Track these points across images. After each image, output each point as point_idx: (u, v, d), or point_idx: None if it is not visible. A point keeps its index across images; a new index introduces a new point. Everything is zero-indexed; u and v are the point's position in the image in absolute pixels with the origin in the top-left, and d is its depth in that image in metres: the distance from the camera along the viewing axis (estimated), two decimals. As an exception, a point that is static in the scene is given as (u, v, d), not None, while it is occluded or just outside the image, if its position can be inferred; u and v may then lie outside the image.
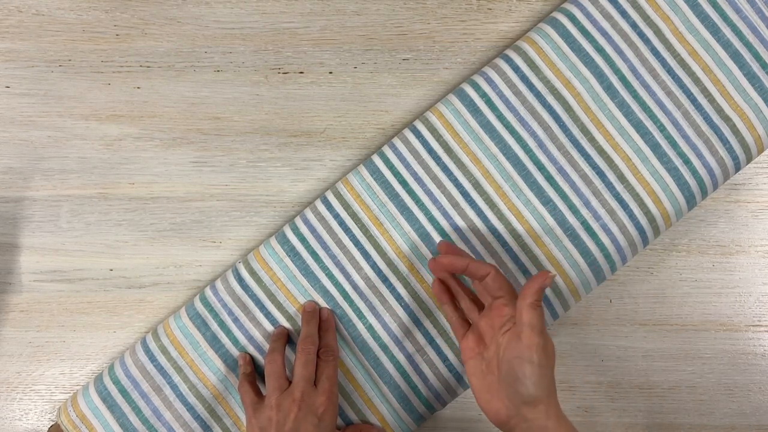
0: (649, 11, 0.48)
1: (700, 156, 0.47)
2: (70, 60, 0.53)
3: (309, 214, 0.50)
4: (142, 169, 0.53)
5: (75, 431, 0.49)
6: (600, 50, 0.48)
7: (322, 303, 0.49)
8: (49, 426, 0.53)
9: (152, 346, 0.50)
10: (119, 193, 0.53)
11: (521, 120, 0.48)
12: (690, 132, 0.48)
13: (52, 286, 0.53)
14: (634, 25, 0.48)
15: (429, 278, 0.49)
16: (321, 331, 0.48)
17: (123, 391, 0.49)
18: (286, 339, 0.49)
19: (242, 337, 0.49)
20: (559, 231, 0.48)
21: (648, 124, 0.48)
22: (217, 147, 0.53)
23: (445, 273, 0.46)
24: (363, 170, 0.50)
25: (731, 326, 0.53)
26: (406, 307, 0.49)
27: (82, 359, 0.53)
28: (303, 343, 0.47)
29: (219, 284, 0.50)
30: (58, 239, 0.53)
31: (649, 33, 0.48)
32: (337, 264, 0.49)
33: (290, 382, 0.46)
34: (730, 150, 0.47)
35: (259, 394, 0.47)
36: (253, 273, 0.49)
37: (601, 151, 0.48)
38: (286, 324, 0.49)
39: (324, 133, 0.53)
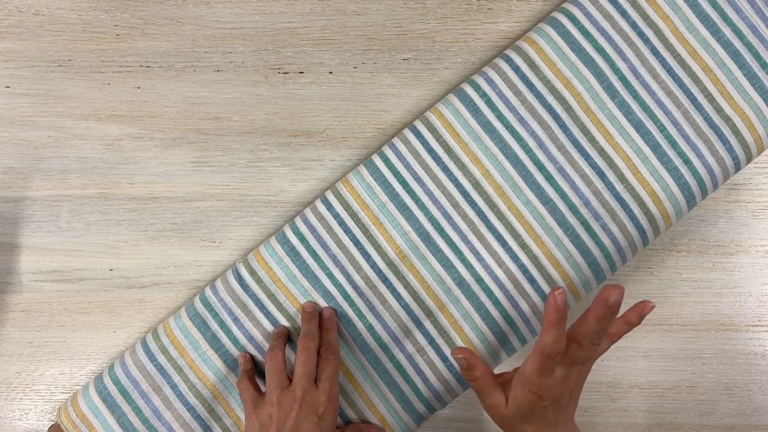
0: (649, 11, 0.48)
1: (700, 156, 0.47)
2: (70, 60, 0.53)
3: (309, 214, 0.50)
4: (142, 169, 0.53)
5: (75, 431, 0.49)
6: (600, 50, 0.48)
7: (322, 303, 0.49)
8: (49, 426, 0.53)
9: (152, 345, 0.50)
10: (119, 193, 0.53)
11: (521, 120, 0.48)
12: (690, 132, 0.48)
13: (52, 286, 0.53)
14: (634, 25, 0.48)
15: (429, 278, 0.49)
16: (322, 330, 0.48)
17: (123, 391, 0.49)
18: (287, 337, 0.49)
19: (242, 336, 0.49)
20: (559, 231, 0.48)
21: (648, 124, 0.48)
22: (217, 147, 0.53)
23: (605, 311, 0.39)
24: (363, 170, 0.50)
25: (731, 326, 0.53)
26: (406, 307, 0.49)
27: (82, 359, 0.53)
28: (303, 341, 0.47)
29: (219, 284, 0.50)
30: (58, 239, 0.53)
31: (649, 33, 0.48)
32: (337, 264, 0.49)
33: (290, 380, 0.46)
34: (730, 150, 0.47)
35: (258, 390, 0.47)
36: (253, 273, 0.49)
37: (601, 151, 0.48)
38: (286, 324, 0.49)
39: (324, 133, 0.53)
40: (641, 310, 0.41)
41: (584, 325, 0.39)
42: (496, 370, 0.51)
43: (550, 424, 0.42)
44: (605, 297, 0.38)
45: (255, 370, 0.49)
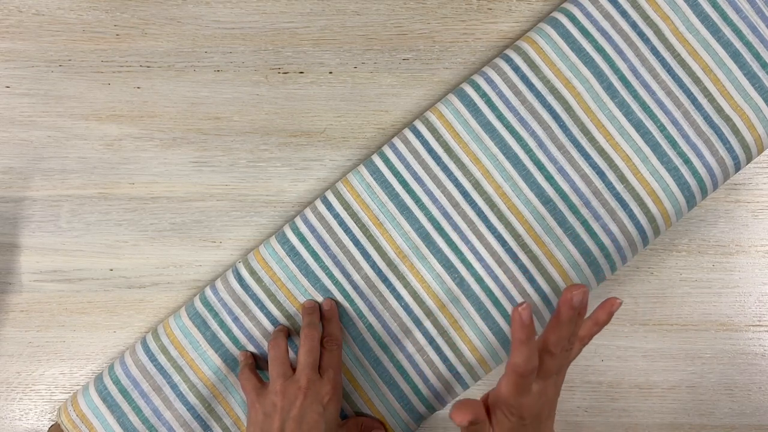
0: (649, 11, 0.48)
1: (700, 156, 0.47)
2: (70, 60, 0.53)
3: (309, 213, 0.50)
4: (142, 169, 0.53)
5: (75, 431, 0.49)
6: (600, 50, 0.48)
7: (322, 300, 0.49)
8: (49, 426, 0.53)
9: (152, 345, 0.50)
10: (119, 193, 0.53)
11: (521, 120, 0.48)
12: (690, 132, 0.48)
13: (52, 286, 0.53)
14: (634, 25, 0.48)
15: (429, 278, 0.49)
16: (324, 321, 0.48)
17: (123, 391, 0.49)
18: (288, 333, 0.49)
19: (242, 336, 0.49)
20: (559, 231, 0.48)
21: (648, 123, 0.48)
22: (217, 147, 0.53)
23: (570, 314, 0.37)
24: (363, 170, 0.50)
25: (731, 326, 0.53)
26: (406, 307, 0.49)
27: (82, 359, 0.53)
28: (306, 330, 0.47)
29: (219, 284, 0.50)
30: (58, 239, 0.53)
31: (649, 33, 0.48)
32: (337, 264, 0.49)
33: (293, 370, 0.46)
34: (730, 150, 0.47)
35: (261, 381, 0.47)
36: (253, 273, 0.49)
37: (601, 151, 0.48)
38: (285, 323, 0.49)
39: (324, 133, 0.53)
40: (609, 308, 0.39)
41: (554, 332, 0.37)
42: (495, 370, 0.52)
43: None
44: (569, 299, 0.35)
45: (255, 364, 0.49)
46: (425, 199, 0.49)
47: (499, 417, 0.38)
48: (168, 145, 0.53)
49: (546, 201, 0.48)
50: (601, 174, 0.48)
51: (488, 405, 0.39)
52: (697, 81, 0.48)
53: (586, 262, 0.48)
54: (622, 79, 0.48)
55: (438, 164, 0.49)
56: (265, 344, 0.49)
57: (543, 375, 0.38)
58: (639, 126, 0.48)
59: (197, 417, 0.49)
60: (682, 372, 0.53)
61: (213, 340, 0.49)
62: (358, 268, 0.49)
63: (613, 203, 0.48)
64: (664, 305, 0.53)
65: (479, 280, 0.49)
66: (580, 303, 0.36)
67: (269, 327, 0.49)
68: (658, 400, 0.53)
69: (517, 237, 0.48)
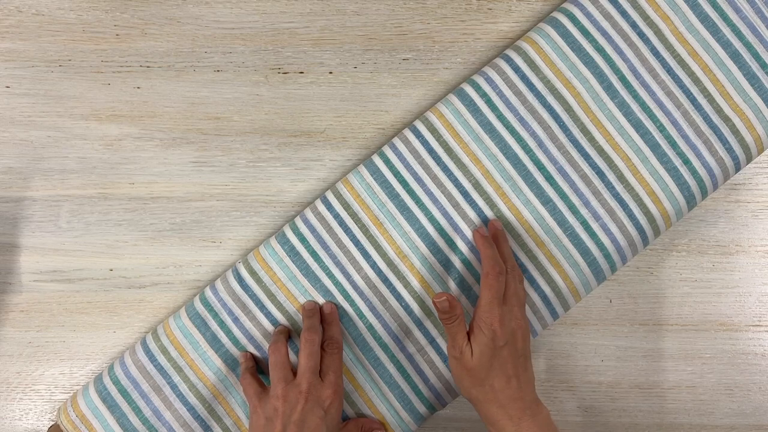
0: (649, 11, 0.48)
1: (699, 156, 0.47)
2: (70, 60, 0.53)
3: (309, 214, 0.50)
4: (142, 169, 0.53)
5: (75, 431, 0.49)
6: (600, 50, 0.48)
7: (323, 302, 0.49)
8: (49, 426, 0.53)
9: (152, 346, 0.50)
10: (119, 193, 0.53)
11: (521, 120, 0.48)
12: (689, 132, 0.48)
13: (52, 286, 0.53)
14: (634, 25, 0.48)
15: (429, 278, 0.49)
16: (324, 324, 0.48)
17: (123, 391, 0.49)
18: (288, 334, 0.49)
19: (242, 336, 0.49)
20: (559, 231, 0.48)
21: (648, 124, 0.48)
22: (217, 147, 0.53)
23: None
24: (363, 170, 0.50)
25: (731, 326, 0.53)
26: (406, 307, 0.49)
27: (82, 359, 0.53)
28: (306, 334, 0.47)
29: (219, 284, 0.50)
30: (58, 239, 0.53)
31: (649, 33, 0.48)
32: (337, 264, 0.49)
33: (294, 374, 0.46)
34: (729, 150, 0.47)
35: (262, 385, 0.47)
36: (253, 273, 0.49)
37: (601, 151, 0.48)
38: (286, 323, 0.49)
39: (324, 133, 0.53)
40: (493, 225, 0.47)
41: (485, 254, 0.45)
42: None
43: (510, 378, 0.43)
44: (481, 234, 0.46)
45: (257, 367, 0.49)
46: (425, 199, 0.49)
47: (476, 333, 0.43)
48: (168, 145, 0.53)
49: (546, 201, 0.48)
50: (600, 174, 0.48)
51: (470, 326, 0.44)
52: (696, 81, 0.48)
53: (585, 262, 0.48)
54: (622, 79, 0.48)
55: (438, 164, 0.49)
56: (265, 345, 0.49)
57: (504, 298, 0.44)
58: (639, 126, 0.48)
59: (197, 417, 0.49)
60: (682, 372, 0.53)
61: (213, 341, 0.49)
62: (359, 269, 0.49)
63: (613, 203, 0.48)
64: (664, 305, 0.53)
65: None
66: (493, 231, 0.47)
67: (269, 327, 0.49)
68: (658, 400, 0.53)
69: (516, 237, 0.48)
